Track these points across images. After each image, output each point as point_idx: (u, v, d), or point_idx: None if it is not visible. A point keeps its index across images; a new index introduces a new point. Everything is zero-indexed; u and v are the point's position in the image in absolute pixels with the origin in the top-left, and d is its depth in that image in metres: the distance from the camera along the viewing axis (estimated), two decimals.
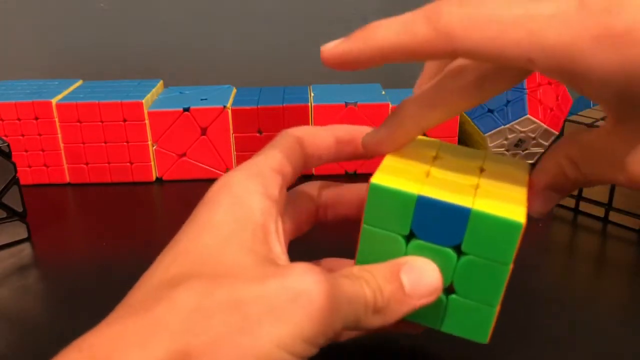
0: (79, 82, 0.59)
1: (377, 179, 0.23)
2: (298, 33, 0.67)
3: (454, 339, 0.32)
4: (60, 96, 0.53)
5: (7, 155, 0.41)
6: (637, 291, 0.37)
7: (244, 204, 0.22)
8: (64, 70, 0.65)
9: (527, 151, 0.57)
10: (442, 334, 0.26)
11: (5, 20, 0.64)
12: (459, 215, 0.22)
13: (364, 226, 0.24)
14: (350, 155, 0.27)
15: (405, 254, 0.23)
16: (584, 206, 0.47)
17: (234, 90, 0.58)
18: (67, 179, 0.54)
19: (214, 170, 0.54)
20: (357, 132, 0.27)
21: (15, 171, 0.42)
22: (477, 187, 0.23)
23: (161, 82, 0.60)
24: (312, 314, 0.18)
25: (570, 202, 0.47)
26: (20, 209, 0.43)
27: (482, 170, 0.25)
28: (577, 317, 0.34)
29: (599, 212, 0.46)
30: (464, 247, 0.23)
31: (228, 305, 0.18)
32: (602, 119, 0.45)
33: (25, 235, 0.43)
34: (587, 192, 0.46)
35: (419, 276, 0.22)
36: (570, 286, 0.38)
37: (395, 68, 0.69)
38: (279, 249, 0.22)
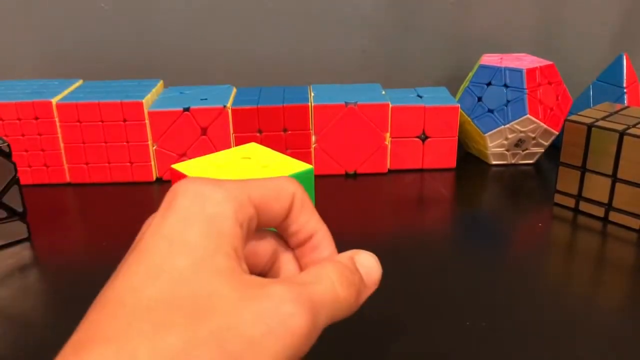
0: (79, 82, 0.59)
1: None
2: (298, 33, 0.67)
3: (455, 341, 0.32)
4: (60, 96, 0.53)
5: (7, 155, 0.41)
6: (637, 291, 0.37)
7: (218, 226, 0.21)
8: (64, 70, 0.65)
9: (527, 151, 0.57)
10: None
11: (6, 20, 0.64)
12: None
13: None
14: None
15: None
16: (584, 206, 0.47)
17: (234, 90, 0.58)
18: (67, 179, 0.54)
19: None
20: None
21: (16, 171, 0.42)
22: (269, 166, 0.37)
23: (161, 82, 0.60)
24: (292, 342, 0.19)
25: (570, 202, 0.47)
26: (20, 209, 0.43)
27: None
28: (577, 317, 0.34)
29: (599, 212, 0.46)
30: None
31: (210, 344, 0.18)
32: (603, 118, 0.45)
33: (25, 235, 0.43)
34: (587, 192, 0.46)
35: (369, 267, 0.24)
36: (570, 286, 0.38)
37: (395, 68, 0.69)
38: (250, 276, 0.22)
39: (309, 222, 0.24)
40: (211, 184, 0.22)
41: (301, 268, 0.25)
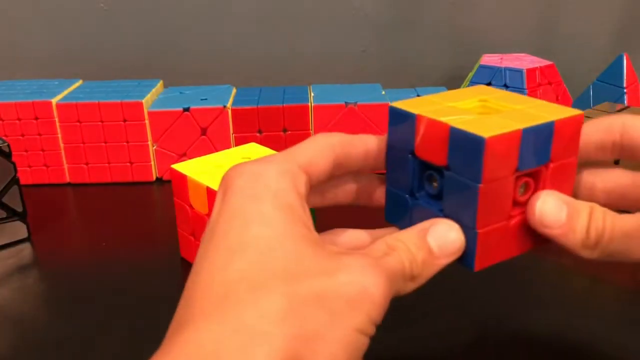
0: (79, 82, 0.59)
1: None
2: (298, 33, 0.67)
3: (452, 342, 0.32)
4: (60, 96, 0.53)
5: (7, 155, 0.41)
6: (636, 291, 0.37)
7: (285, 200, 0.22)
8: (64, 70, 0.65)
9: None
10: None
11: (6, 21, 0.64)
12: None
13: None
14: (377, 167, 0.27)
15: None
16: None
17: (234, 90, 0.58)
18: (67, 179, 0.54)
19: None
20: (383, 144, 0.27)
21: (15, 171, 0.42)
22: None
23: (161, 82, 0.60)
24: (378, 302, 0.20)
25: None
26: (20, 209, 0.43)
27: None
28: (576, 317, 0.34)
29: None
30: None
31: (313, 302, 0.19)
32: None
33: (25, 235, 0.43)
34: None
35: (444, 237, 0.23)
36: (569, 286, 0.38)
37: (395, 68, 0.69)
38: (330, 245, 0.23)
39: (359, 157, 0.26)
40: (261, 163, 0.23)
41: None
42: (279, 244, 0.20)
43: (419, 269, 0.23)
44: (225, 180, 0.23)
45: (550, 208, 0.23)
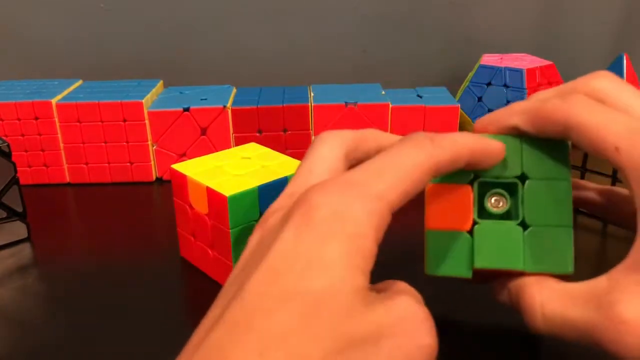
0: (79, 82, 0.59)
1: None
2: (298, 33, 0.67)
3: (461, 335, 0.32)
4: (60, 96, 0.53)
5: (7, 155, 0.41)
6: None
7: (360, 245, 0.20)
8: (64, 70, 0.65)
9: None
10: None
11: (5, 20, 0.64)
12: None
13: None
14: None
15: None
16: None
17: (234, 90, 0.58)
18: (67, 179, 0.54)
19: None
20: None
21: (15, 171, 0.42)
22: None
23: (161, 82, 0.60)
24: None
25: None
26: (20, 209, 0.43)
27: None
28: None
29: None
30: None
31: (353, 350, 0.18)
32: None
33: (25, 235, 0.43)
34: None
35: None
36: None
37: (395, 68, 0.69)
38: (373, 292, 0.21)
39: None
40: (349, 197, 0.21)
41: None
42: (331, 298, 0.19)
43: None
44: (304, 207, 0.21)
45: None
